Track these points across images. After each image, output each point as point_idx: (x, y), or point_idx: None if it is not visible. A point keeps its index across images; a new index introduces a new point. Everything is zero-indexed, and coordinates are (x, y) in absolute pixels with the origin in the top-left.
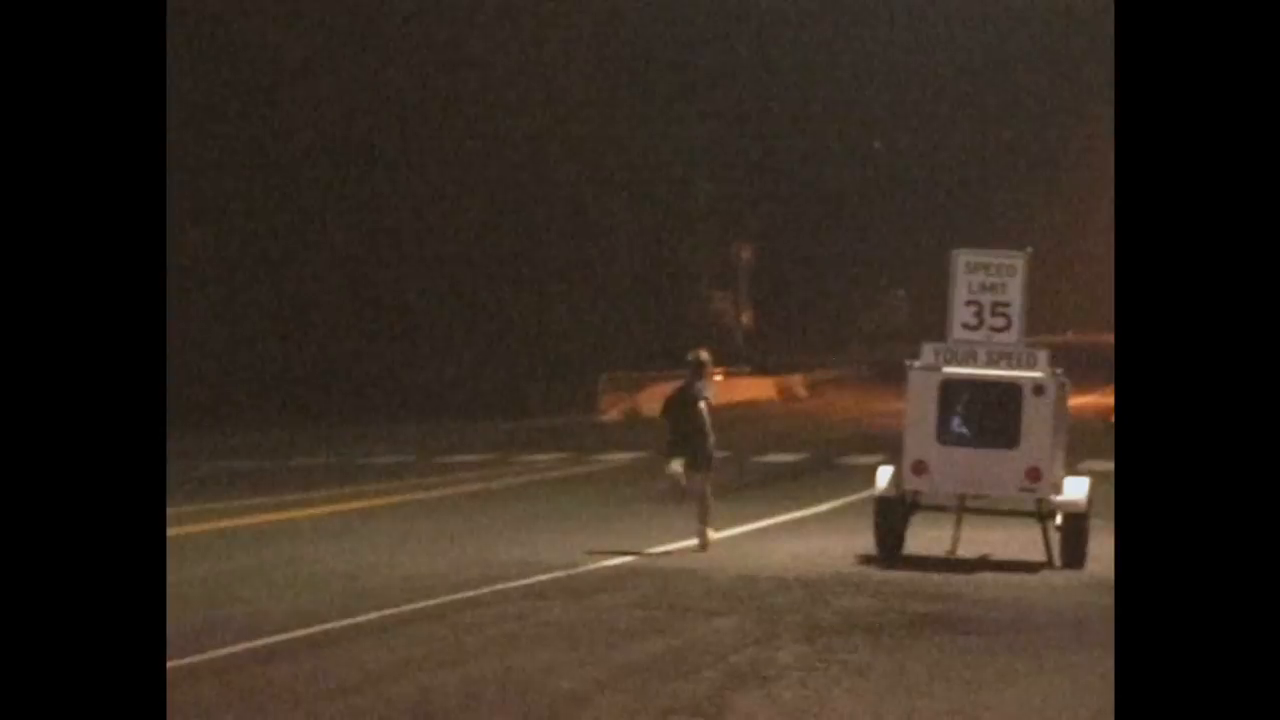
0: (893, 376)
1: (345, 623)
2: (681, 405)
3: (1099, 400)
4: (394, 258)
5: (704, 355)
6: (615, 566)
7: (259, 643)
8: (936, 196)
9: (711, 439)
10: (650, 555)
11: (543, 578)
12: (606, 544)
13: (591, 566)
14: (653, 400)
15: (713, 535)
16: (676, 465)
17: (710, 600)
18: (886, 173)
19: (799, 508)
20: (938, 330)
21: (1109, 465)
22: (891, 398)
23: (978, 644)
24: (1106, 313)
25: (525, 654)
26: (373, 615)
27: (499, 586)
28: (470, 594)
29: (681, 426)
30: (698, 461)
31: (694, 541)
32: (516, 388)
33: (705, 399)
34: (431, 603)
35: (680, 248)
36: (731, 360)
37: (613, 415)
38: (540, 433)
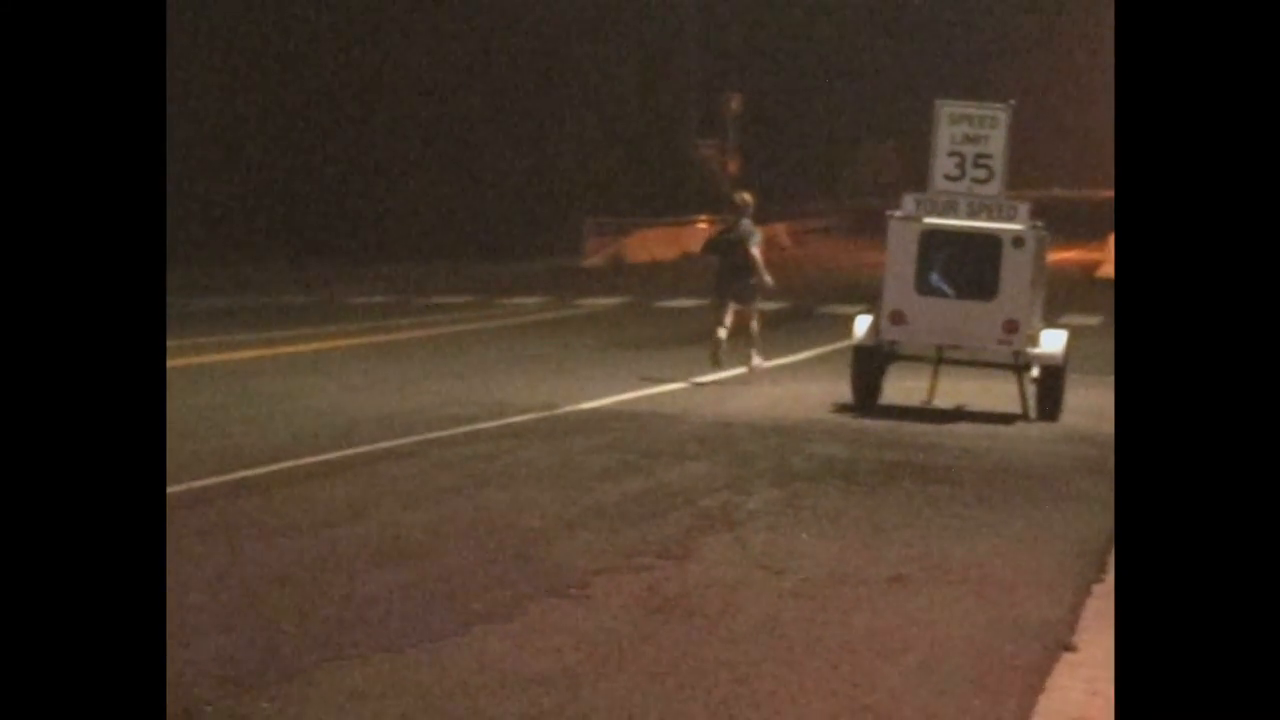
0: (878, 228)
1: (319, 459)
2: (729, 245)
3: (1083, 255)
4: (382, 99)
5: (747, 197)
6: (592, 409)
7: (230, 476)
8: (929, 49)
9: (760, 277)
10: (626, 399)
11: (518, 419)
12: (584, 387)
13: (567, 409)
14: (636, 246)
15: (760, 363)
16: (722, 333)
17: (684, 445)
18: (879, 23)
19: (778, 355)
20: (926, 182)
21: (1089, 319)
22: (876, 249)
23: (949, 493)
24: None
25: (495, 493)
26: (346, 452)
27: (474, 426)
28: (444, 433)
29: (731, 263)
30: (745, 296)
31: (683, 384)
32: (501, 231)
33: (754, 241)
34: (406, 441)
35: (667, 95)
36: (716, 209)
37: (596, 260)
38: (524, 276)
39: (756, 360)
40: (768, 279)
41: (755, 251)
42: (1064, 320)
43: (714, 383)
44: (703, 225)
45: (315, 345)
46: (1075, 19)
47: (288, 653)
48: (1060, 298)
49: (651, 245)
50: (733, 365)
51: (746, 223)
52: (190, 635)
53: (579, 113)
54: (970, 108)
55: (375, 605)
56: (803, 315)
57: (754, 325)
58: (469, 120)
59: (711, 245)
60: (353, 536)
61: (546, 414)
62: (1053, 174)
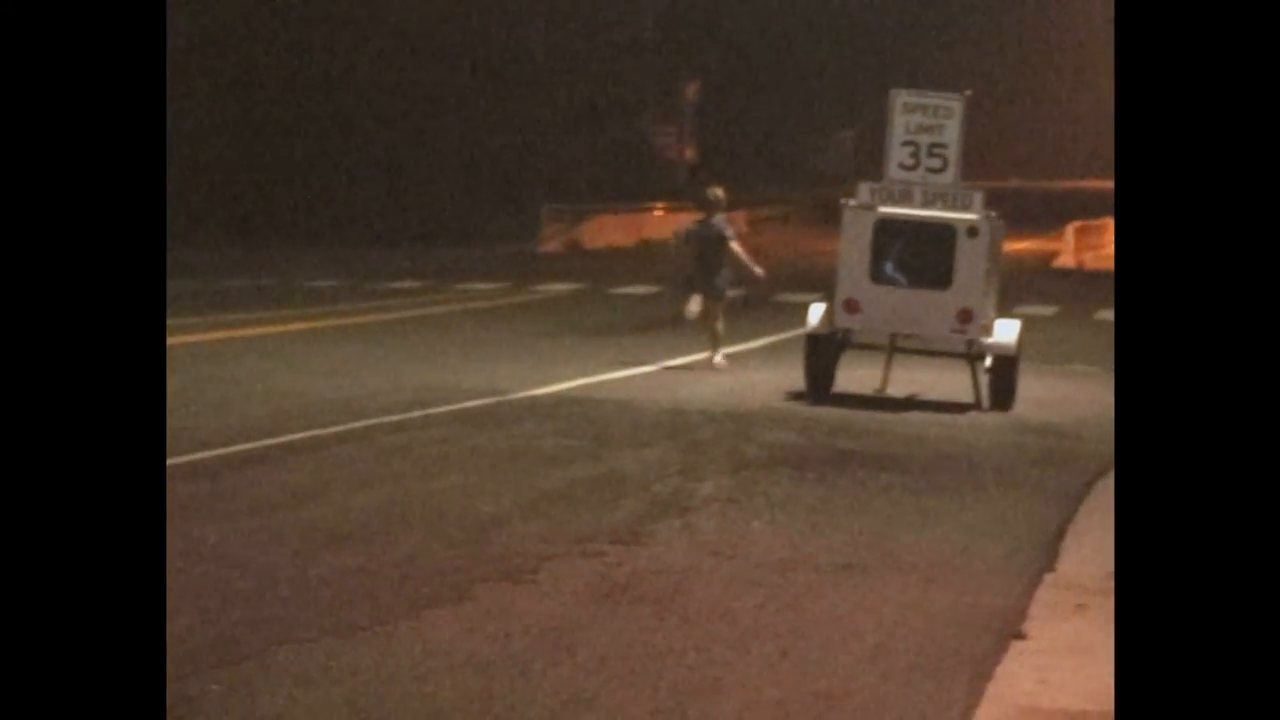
0: (835, 217)
1: (270, 442)
2: (701, 241)
3: (1041, 245)
4: (337, 82)
5: (719, 192)
6: (545, 395)
7: (179, 460)
8: (888, 38)
9: (750, 269)
10: (580, 385)
11: (471, 404)
12: (538, 373)
13: (521, 394)
14: (593, 232)
15: (721, 362)
16: (695, 306)
17: (637, 431)
18: (837, 11)
19: (732, 343)
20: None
21: (1046, 310)
22: (833, 237)
23: (901, 481)
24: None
25: (447, 478)
26: (298, 435)
27: (427, 411)
28: (398, 417)
29: (703, 260)
30: (712, 293)
31: (634, 371)
32: (456, 216)
33: (730, 236)
34: (358, 424)
35: (626, 82)
36: (673, 196)
37: (553, 246)
38: (480, 262)
39: (718, 359)
40: (757, 270)
41: (736, 247)
42: (1020, 310)
43: (669, 369)
44: (659, 212)
45: (267, 329)
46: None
47: (237, 635)
48: (1017, 288)
49: (609, 231)
50: (690, 351)
51: (720, 218)
52: None
53: (537, 98)
54: (925, 97)
55: (325, 588)
56: (758, 303)
57: (719, 325)
58: (426, 104)
59: (686, 238)
60: (303, 520)
61: (499, 399)
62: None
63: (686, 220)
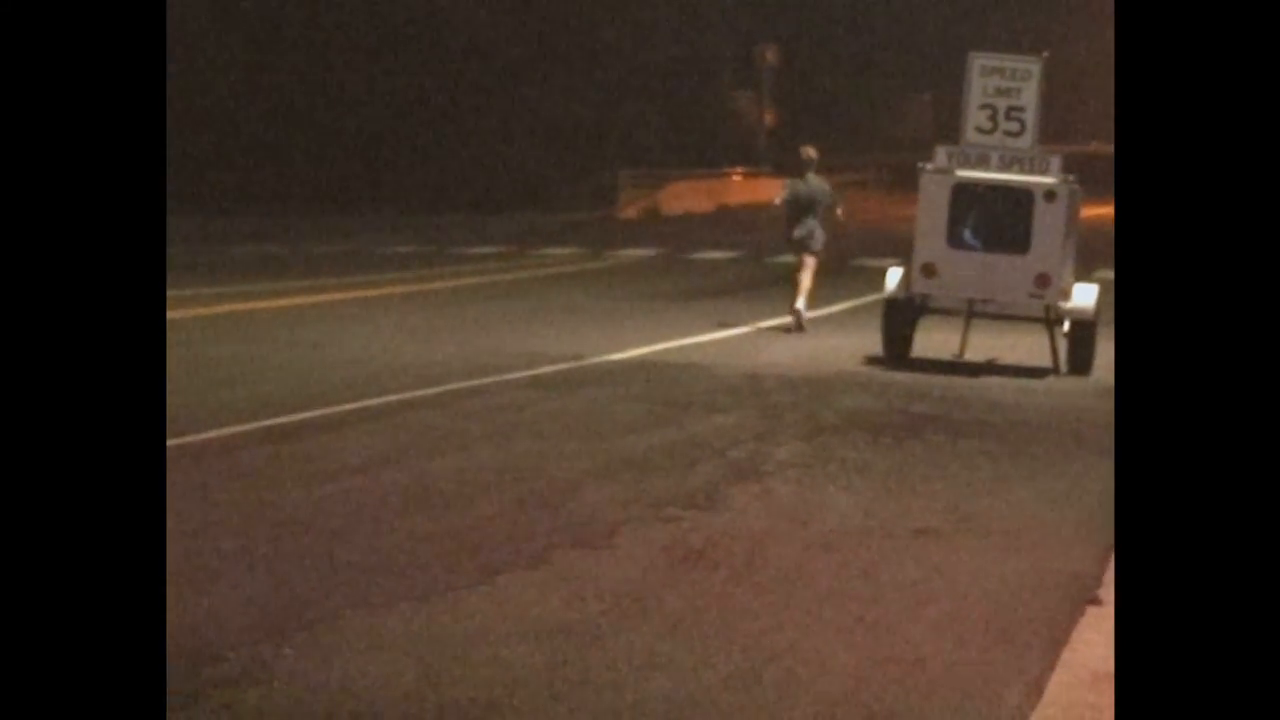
0: (913, 182)
1: (349, 407)
2: (797, 197)
3: None
4: (416, 50)
5: (811, 152)
6: (622, 360)
7: (261, 424)
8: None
9: (822, 230)
10: (657, 350)
11: (548, 369)
12: (615, 338)
13: (597, 360)
14: (671, 198)
15: (802, 309)
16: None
17: (714, 396)
18: None
19: (811, 308)
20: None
21: None
22: (912, 202)
23: (977, 446)
24: None
25: (523, 443)
26: (376, 401)
27: (504, 376)
28: (475, 383)
29: (802, 216)
30: (804, 246)
31: (712, 336)
32: (535, 182)
33: (827, 193)
34: (435, 390)
35: (703, 46)
36: (753, 161)
37: (631, 213)
38: (558, 228)
39: (800, 304)
40: (839, 211)
41: (840, 212)
42: (1100, 275)
43: (747, 334)
44: (737, 177)
45: (348, 294)
46: None
47: (312, 599)
48: (1098, 253)
49: (687, 197)
50: (769, 316)
51: (813, 176)
52: (214, 581)
53: (614, 64)
54: (1003, 60)
55: (400, 553)
56: (837, 268)
57: (807, 277)
58: (504, 71)
59: (786, 197)
60: (379, 484)
61: (576, 364)
62: (1094, 129)
63: (766, 184)
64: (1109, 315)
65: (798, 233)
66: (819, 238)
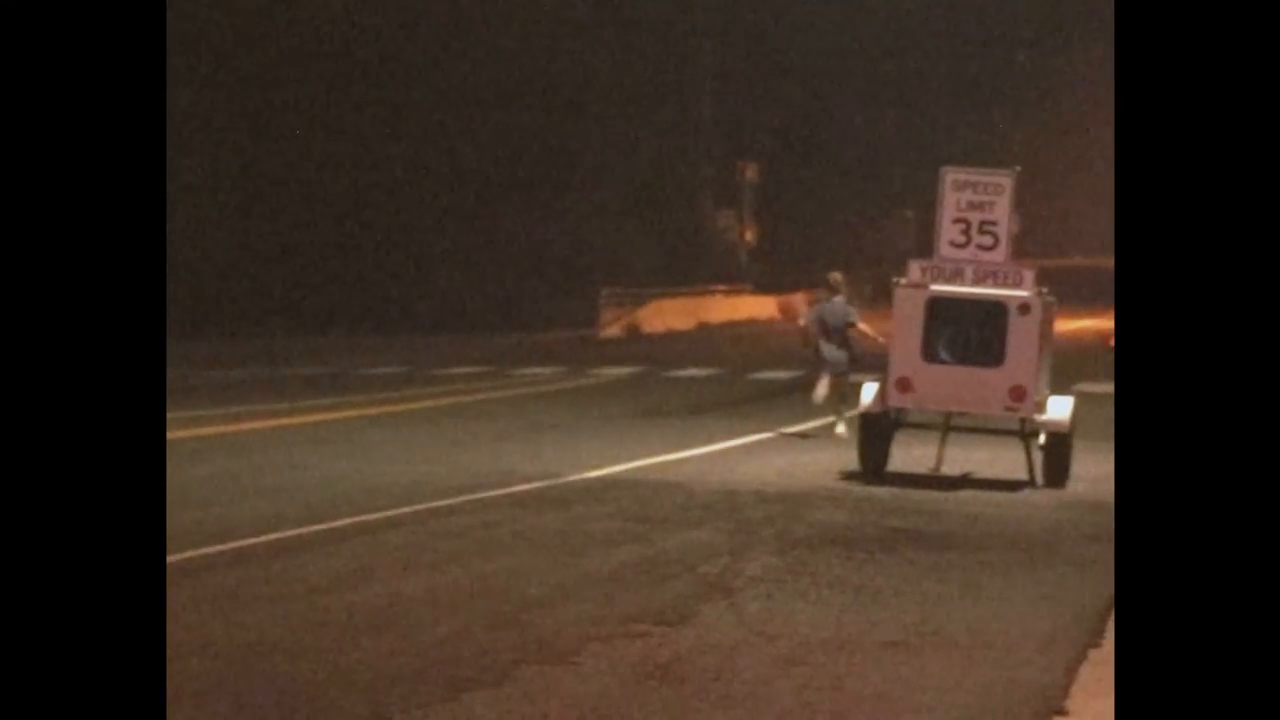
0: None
1: (320, 527)
2: (822, 321)
3: (1100, 323)
4: (394, 171)
5: (838, 276)
6: (598, 478)
7: (229, 545)
8: (946, 118)
9: (873, 339)
10: (634, 468)
11: (523, 487)
12: (593, 456)
13: (573, 478)
14: (652, 316)
15: (842, 431)
16: (822, 389)
17: (687, 512)
18: (896, 94)
19: (789, 423)
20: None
21: (1103, 388)
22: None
23: (950, 560)
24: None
25: (495, 561)
26: (348, 521)
27: (478, 495)
28: (449, 502)
29: (828, 339)
30: (835, 369)
31: (689, 452)
32: (516, 302)
33: (854, 318)
34: (408, 509)
35: (683, 165)
36: (734, 279)
37: (612, 331)
38: (539, 347)
39: (840, 428)
40: (880, 339)
41: (863, 327)
42: (1078, 388)
43: (725, 450)
44: (719, 295)
45: (327, 415)
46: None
47: (273, 719)
48: (1074, 365)
49: (667, 315)
50: (745, 434)
51: (839, 300)
52: (178, 703)
53: (595, 183)
54: (975, 174)
55: (365, 671)
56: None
57: (835, 396)
58: (485, 191)
59: (813, 319)
60: (347, 603)
61: (552, 482)
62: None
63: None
64: (1084, 428)
65: (825, 354)
66: (840, 359)
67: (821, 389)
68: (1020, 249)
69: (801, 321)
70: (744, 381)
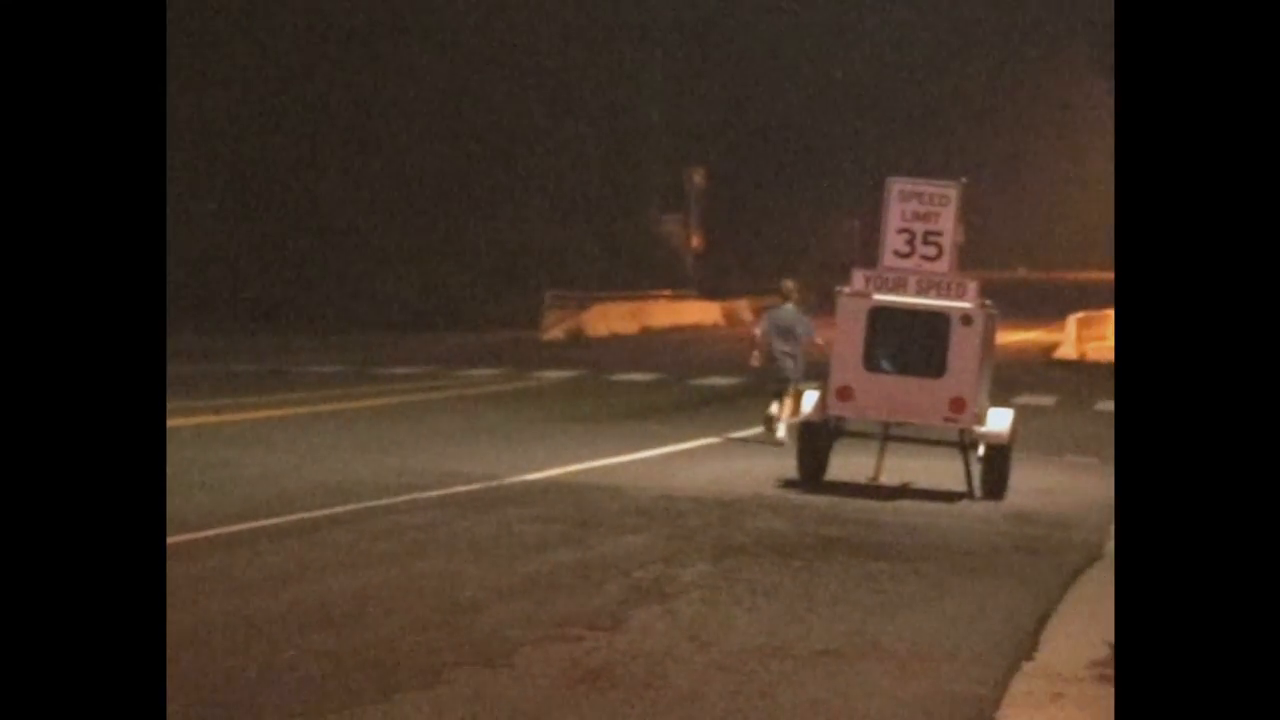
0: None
1: (256, 524)
2: (776, 327)
3: (1043, 336)
4: (339, 170)
5: (790, 284)
6: (536, 481)
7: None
8: (894, 127)
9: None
10: (572, 471)
11: (462, 488)
12: (531, 459)
13: (512, 480)
14: (596, 320)
15: (781, 435)
16: (774, 408)
17: (624, 517)
18: (842, 103)
19: (729, 430)
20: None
21: (1045, 400)
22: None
23: (886, 569)
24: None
25: (431, 561)
26: (285, 519)
27: (416, 495)
28: (386, 501)
29: (779, 346)
30: (784, 376)
31: (628, 457)
32: (459, 303)
33: (806, 327)
34: (345, 509)
35: (630, 170)
36: (679, 284)
37: (555, 333)
38: (482, 348)
39: (781, 432)
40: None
41: (819, 341)
42: (1020, 401)
43: (665, 455)
44: (664, 300)
45: (267, 413)
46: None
47: (201, 717)
48: (1018, 378)
49: (611, 319)
50: (686, 440)
51: (789, 307)
52: None
53: (542, 185)
54: (921, 185)
55: (295, 671)
56: (759, 389)
57: (788, 402)
58: (430, 192)
59: (766, 326)
60: (279, 603)
61: (491, 484)
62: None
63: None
64: (1024, 441)
65: (776, 361)
66: (795, 367)
67: (782, 429)
68: (964, 261)
69: (757, 331)
70: (686, 387)
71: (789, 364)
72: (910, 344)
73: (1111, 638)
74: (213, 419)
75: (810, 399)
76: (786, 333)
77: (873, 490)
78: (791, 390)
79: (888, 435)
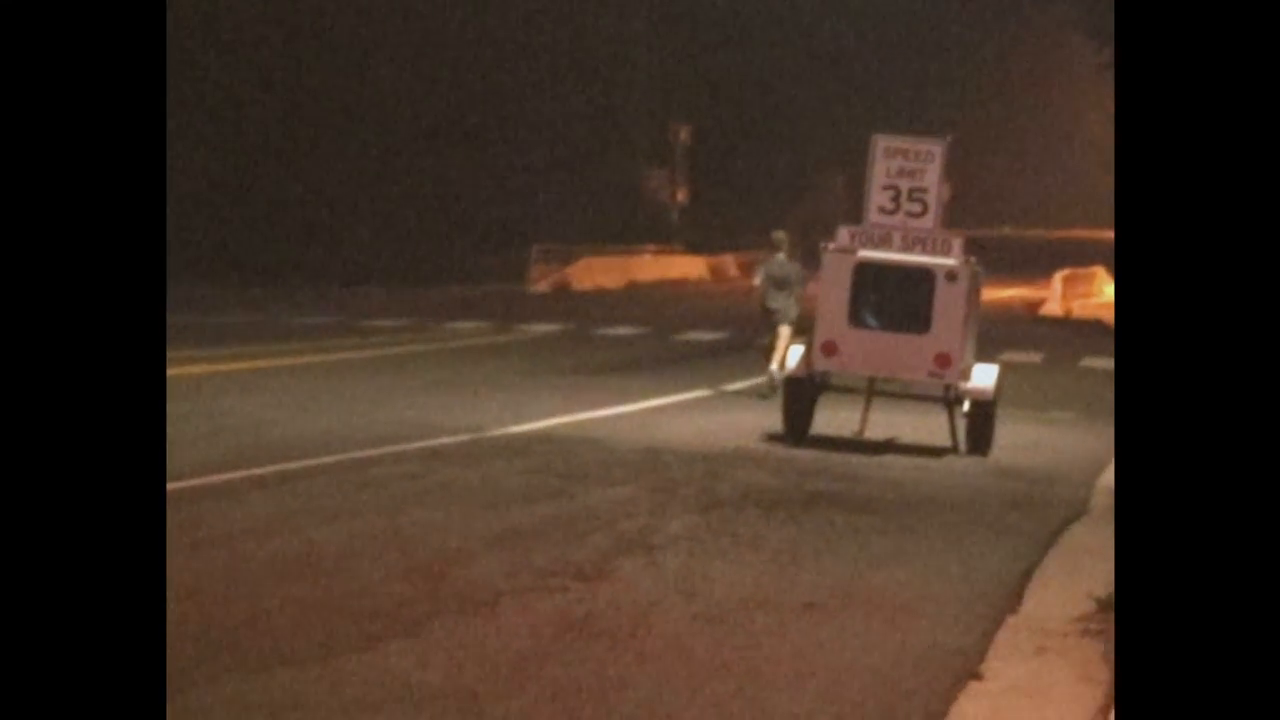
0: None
1: (240, 474)
2: (770, 277)
3: (1029, 293)
4: (326, 122)
5: (782, 235)
6: (521, 433)
7: None
8: (880, 84)
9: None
10: (557, 424)
11: (445, 440)
12: (516, 411)
13: (496, 432)
14: (582, 273)
15: (774, 370)
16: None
17: (610, 470)
18: (830, 59)
19: (714, 384)
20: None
21: (1031, 356)
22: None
23: (871, 523)
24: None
25: (414, 512)
26: (269, 469)
27: (400, 447)
28: (370, 453)
29: (773, 293)
30: (779, 320)
31: (613, 410)
32: (446, 256)
33: (799, 277)
34: (329, 459)
35: (617, 124)
36: (665, 238)
37: (541, 287)
38: (467, 301)
39: (774, 368)
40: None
41: (799, 289)
42: (1005, 357)
43: (650, 409)
44: (649, 254)
45: (252, 364)
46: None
47: (187, 664)
48: (1004, 335)
49: (597, 272)
50: (674, 392)
51: (780, 257)
52: None
53: (528, 140)
54: (906, 142)
55: (278, 618)
56: (744, 344)
57: (781, 343)
58: (416, 146)
59: (762, 276)
60: (264, 552)
61: (474, 436)
62: (1007, 213)
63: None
64: (1008, 397)
65: (772, 306)
66: (791, 312)
67: (775, 362)
68: (950, 218)
69: (756, 281)
70: (672, 341)
71: (785, 313)
72: (895, 300)
73: (1096, 592)
74: (197, 370)
75: (795, 354)
76: (782, 282)
77: (858, 445)
78: (787, 331)
79: (873, 390)
